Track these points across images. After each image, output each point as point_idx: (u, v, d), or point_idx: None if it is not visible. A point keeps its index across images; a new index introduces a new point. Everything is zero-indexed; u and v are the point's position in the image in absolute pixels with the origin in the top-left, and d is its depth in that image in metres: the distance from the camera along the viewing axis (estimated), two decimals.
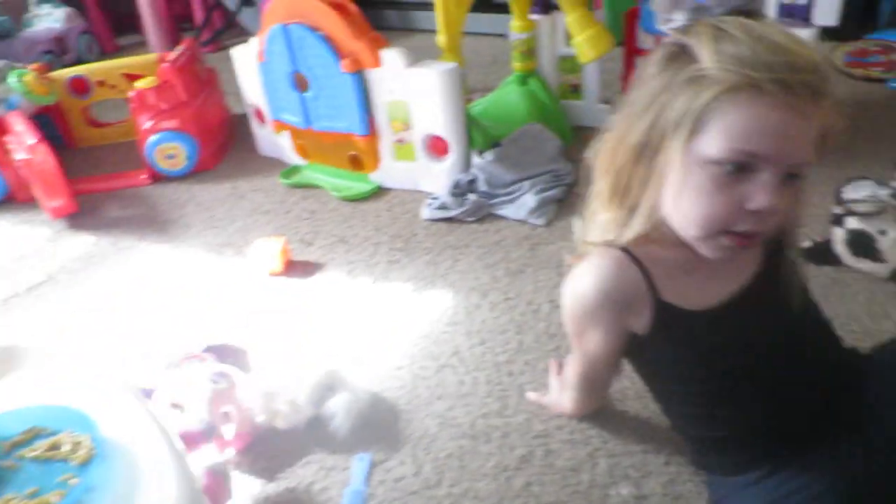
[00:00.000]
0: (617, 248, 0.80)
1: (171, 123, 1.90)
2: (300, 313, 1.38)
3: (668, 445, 1.00)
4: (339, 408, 1.09)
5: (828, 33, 2.23)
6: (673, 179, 0.73)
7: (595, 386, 1.00)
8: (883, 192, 1.37)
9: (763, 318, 0.81)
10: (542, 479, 0.98)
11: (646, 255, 0.80)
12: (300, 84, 1.70)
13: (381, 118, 1.67)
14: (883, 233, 1.22)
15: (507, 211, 1.60)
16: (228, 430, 1.09)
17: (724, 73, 0.67)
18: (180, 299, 1.47)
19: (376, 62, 1.58)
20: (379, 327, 1.32)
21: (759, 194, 0.69)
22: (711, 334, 0.80)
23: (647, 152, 0.75)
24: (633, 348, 0.87)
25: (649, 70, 0.75)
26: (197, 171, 1.98)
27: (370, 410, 1.12)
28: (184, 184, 1.95)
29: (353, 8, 1.59)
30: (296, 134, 1.84)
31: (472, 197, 1.63)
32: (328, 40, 1.58)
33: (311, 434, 1.10)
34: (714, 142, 0.69)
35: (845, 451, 0.76)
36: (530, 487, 0.98)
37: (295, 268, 1.54)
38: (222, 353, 1.19)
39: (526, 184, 1.64)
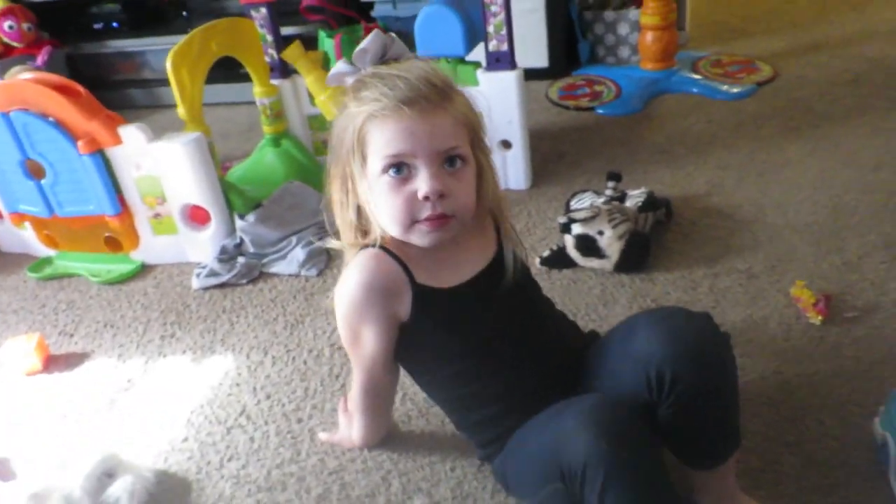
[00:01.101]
0: (374, 247, 0.93)
1: None
2: (65, 408, 1.29)
3: (453, 452, 1.08)
4: (121, 492, 1.04)
5: (542, 73, 2.57)
6: (368, 199, 0.91)
7: (378, 400, 1.05)
8: (599, 200, 1.61)
9: (498, 294, 0.95)
10: None
11: (399, 250, 0.93)
12: (34, 171, 1.61)
13: (133, 195, 1.63)
14: (601, 233, 1.43)
15: (279, 267, 1.63)
16: None
17: (362, 110, 0.87)
18: None
19: (116, 140, 1.54)
20: (158, 404, 1.27)
21: (422, 184, 0.86)
22: (461, 307, 0.94)
23: (346, 183, 0.93)
24: (401, 341, 0.96)
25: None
26: None
27: (157, 488, 1.08)
28: None
29: (80, 88, 1.54)
30: (39, 224, 1.72)
31: (241, 260, 1.64)
32: (59, 124, 1.52)
33: None
34: (375, 159, 0.87)
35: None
36: None
37: (57, 362, 1.43)
38: None
39: (293, 238, 1.68)
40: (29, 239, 1.80)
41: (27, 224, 1.75)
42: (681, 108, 2.22)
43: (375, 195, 0.89)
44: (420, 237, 0.89)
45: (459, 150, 0.88)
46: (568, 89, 2.45)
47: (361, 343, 0.96)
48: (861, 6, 2.90)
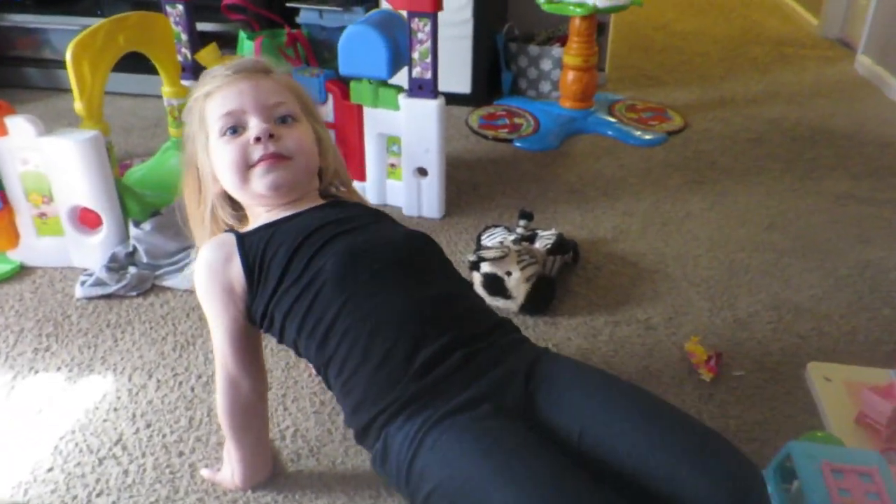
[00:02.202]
0: (221, 233, 1.03)
1: None
2: None
3: (341, 497, 1.04)
4: None
5: (465, 99, 2.58)
6: (213, 170, 1.00)
7: (245, 418, 1.00)
8: (510, 238, 1.61)
9: (326, 218, 0.99)
10: None
11: (239, 227, 1.03)
12: None
13: (16, 191, 1.50)
14: (509, 274, 1.43)
15: (174, 281, 1.54)
16: None
17: (199, 91, 1.01)
18: None
19: (1, 131, 1.42)
20: (23, 427, 1.17)
21: (252, 129, 0.97)
22: (284, 230, 0.97)
23: (194, 171, 1.04)
24: (254, 307, 0.96)
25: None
26: None
27: None
28: None
29: None
30: None
31: (133, 270, 1.54)
32: None
33: None
34: (213, 127, 0.98)
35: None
36: None
37: None
38: None
39: (192, 251, 1.59)
40: None
41: None
42: (594, 149, 2.27)
43: (216, 159, 0.99)
44: (258, 180, 0.96)
45: (287, 107, 1.00)
46: (488, 118, 2.47)
47: (215, 330, 0.98)
48: (765, 67, 3.07)
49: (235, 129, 0.97)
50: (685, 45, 3.40)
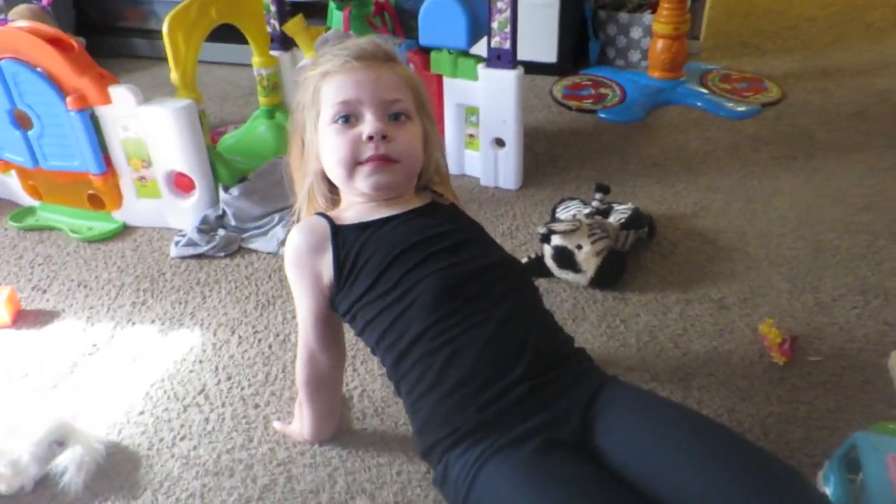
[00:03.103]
0: (313, 215, 1.02)
1: None
2: (28, 367, 1.30)
3: (400, 456, 1.09)
4: (70, 462, 1.05)
5: (549, 69, 2.55)
6: (319, 152, 1.00)
7: (320, 386, 1.05)
8: (584, 211, 1.60)
9: (422, 231, 0.97)
10: None
11: (335, 214, 1.02)
12: (22, 122, 1.59)
13: (119, 156, 1.62)
14: (579, 247, 1.43)
15: (258, 244, 1.63)
16: None
17: (316, 70, 0.99)
18: None
19: (105, 99, 1.53)
20: (119, 374, 1.28)
21: (366, 125, 0.95)
22: (380, 236, 0.96)
23: (299, 140, 1.03)
24: (336, 291, 0.97)
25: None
26: None
27: (107, 461, 1.09)
28: None
29: (73, 43, 1.52)
30: (24, 174, 1.72)
31: (221, 232, 1.63)
32: (49, 77, 1.50)
33: (40, 494, 1.05)
34: (326, 110, 0.97)
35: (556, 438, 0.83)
36: None
37: (26, 318, 1.44)
38: None
39: (276, 216, 1.68)
40: (14, 186, 1.80)
41: (13, 172, 1.74)
42: (681, 121, 2.20)
43: (324, 144, 0.98)
44: (363, 179, 0.96)
45: (403, 104, 0.98)
46: (573, 88, 2.43)
47: (299, 305, 1.01)
48: (880, 34, 2.86)
49: (349, 118, 0.96)
50: (790, 10, 3.20)
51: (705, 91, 2.34)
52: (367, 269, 0.94)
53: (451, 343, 0.88)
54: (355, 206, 1.01)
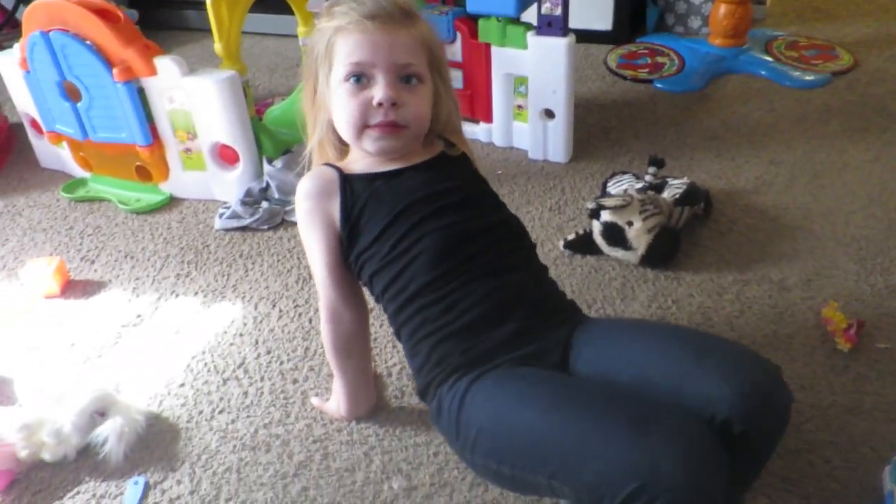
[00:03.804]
0: (323, 165, 1.03)
1: None
2: (75, 336, 1.32)
3: (438, 436, 1.06)
4: (110, 433, 1.06)
5: (604, 37, 2.45)
6: (330, 106, 0.99)
7: (348, 348, 1.04)
8: (636, 186, 1.53)
9: (430, 185, 0.98)
10: (318, 482, 1.01)
11: (344, 165, 1.03)
12: (71, 93, 1.61)
13: (165, 127, 1.62)
14: (630, 224, 1.36)
15: None
16: None
17: (331, 23, 0.95)
18: None
19: (151, 71, 1.52)
20: (162, 345, 1.29)
21: (378, 90, 0.94)
22: (389, 188, 0.98)
23: (312, 87, 1.01)
24: (345, 241, 0.98)
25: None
26: None
27: (147, 432, 1.10)
28: None
29: (120, 14, 1.52)
30: (75, 145, 1.74)
31: (265, 205, 1.62)
32: (96, 49, 1.50)
33: (83, 463, 1.06)
34: (339, 67, 0.95)
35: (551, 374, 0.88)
36: (307, 492, 1.00)
37: (74, 288, 1.46)
38: None
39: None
40: (66, 158, 1.82)
41: (65, 144, 1.77)
42: (744, 91, 2.08)
43: (335, 100, 0.97)
44: (371, 143, 0.96)
45: (416, 68, 0.96)
46: (628, 57, 2.33)
47: (313, 257, 1.01)
48: None
49: (360, 79, 0.94)
50: None
51: (770, 59, 2.21)
52: (374, 221, 0.96)
53: (449, 296, 0.92)
54: (365, 159, 1.02)
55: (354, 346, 1.05)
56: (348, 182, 0.99)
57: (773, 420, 0.80)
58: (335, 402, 1.10)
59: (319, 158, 1.07)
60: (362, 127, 0.96)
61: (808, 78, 2.10)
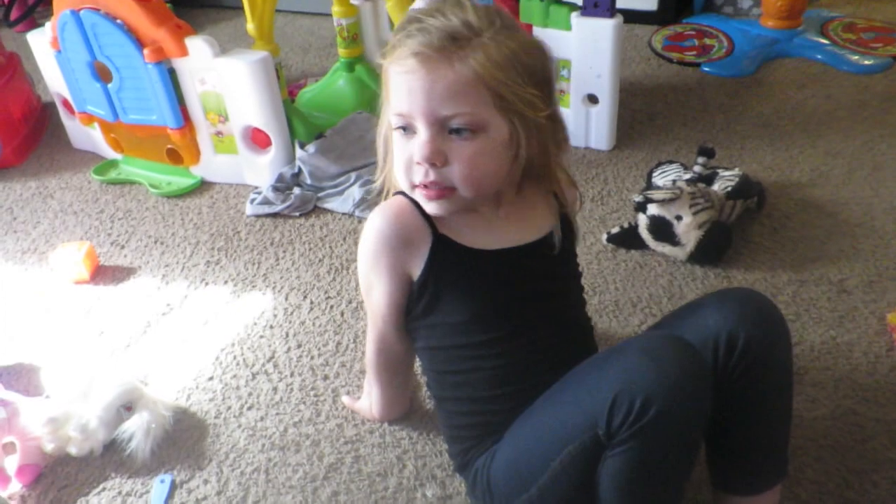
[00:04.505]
0: (402, 197, 0.85)
1: None
2: (104, 325, 1.29)
3: None
4: (137, 428, 1.03)
5: (649, 17, 2.35)
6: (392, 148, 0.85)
7: (390, 368, 0.99)
8: (685, 177, 1.45)
9: (539, 270, 0.87)
10: (349, 486, 0.97)
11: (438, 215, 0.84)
12: (102, 74, 1.57)
13: (196, 110, 1.58)
14: (679, 218, 1.29)
15: (334, 204, 1.56)
16: (11, 463, 1.00)
17: (385, 58, 0.79)
18: None
19: (182, 51, 1.48)
20: (191, 336, 1.25)
21: (416, 148, 0.78)
22: (483, 269, 0.85)
23: (386, 129, 0.85)
24: (413, 303, 0.88)
25: None
26: None
27: (174, 428, 1.07)
28: None
29: None
30: (106, 127, 1.71)
31: (297, 191, 1.58)
32: (127, 28, 1.46)
33: (109, 459, 1.03)
34: (389, 109, 0.81)
35: None
36: (337, 497, 0.96)
37: (104, 273, 1.43)
38: (10, 374, 1.09)
39: (352, 175, 1.60)
40: (98, 139, 1.80)
41: (96, 125, 1.74)
42: (798, 76, 1.98)
43: (393, 146, 0.84)
44: (422, 202, 0.83)
45: (466, 117, 0.75)
46: (675, 39, 2.23)
47: (373, 294, 0.90)
48: None
49: (406, 129, 0.79)
50: None
51: (826, 42, 2.09)
52: (457, 307, 0.85)
53: (495, 388, 0.87)
54: (463, 216, 0.85)
55: (399, 369, 1.01)
56: (441, 245, 0.84)
57: (773, 323, 0.81)
58: (367, 402, 1.06)
59: (395, 185, 0.89)
60: (411, 186, 0.81)
61: (867, 62, 1.99)
